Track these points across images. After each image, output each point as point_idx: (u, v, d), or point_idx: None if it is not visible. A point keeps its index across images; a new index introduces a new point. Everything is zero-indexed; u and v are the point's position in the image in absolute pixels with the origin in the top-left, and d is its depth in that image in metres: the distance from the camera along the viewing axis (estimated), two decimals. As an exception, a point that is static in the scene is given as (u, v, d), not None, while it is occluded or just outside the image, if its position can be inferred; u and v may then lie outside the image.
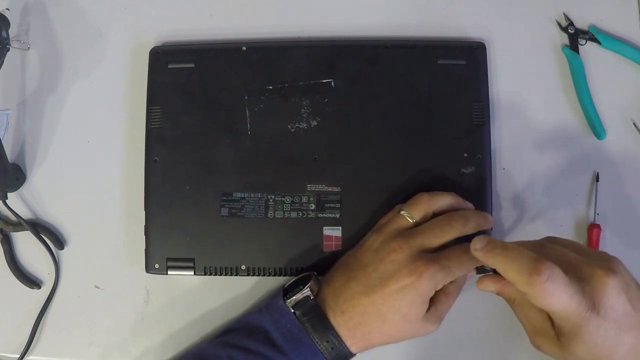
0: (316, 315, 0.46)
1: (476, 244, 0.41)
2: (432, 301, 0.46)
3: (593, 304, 0.38)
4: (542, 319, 0.42)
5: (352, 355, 0.47)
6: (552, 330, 0.41)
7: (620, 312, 0.38)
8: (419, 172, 0.52)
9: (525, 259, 0.38)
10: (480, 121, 0.53)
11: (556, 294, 0.37)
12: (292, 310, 0.47)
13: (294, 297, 0.47)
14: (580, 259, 0.40)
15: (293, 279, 0.50)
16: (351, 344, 0.46)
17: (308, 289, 0.47)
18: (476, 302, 0.53)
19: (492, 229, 0.51)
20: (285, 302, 0.47)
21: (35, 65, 0.58)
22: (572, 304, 0.37)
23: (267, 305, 0.48)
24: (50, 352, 0.55)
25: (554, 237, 0.45)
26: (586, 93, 0.54)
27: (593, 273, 0.39)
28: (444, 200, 0.49)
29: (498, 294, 0.45)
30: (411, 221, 0.48)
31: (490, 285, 0.44)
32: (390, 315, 0.45)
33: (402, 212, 0.48)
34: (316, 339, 0.46)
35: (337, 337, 0.45)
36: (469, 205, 0.50)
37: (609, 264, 0.40)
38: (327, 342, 0.45)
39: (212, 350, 0.48)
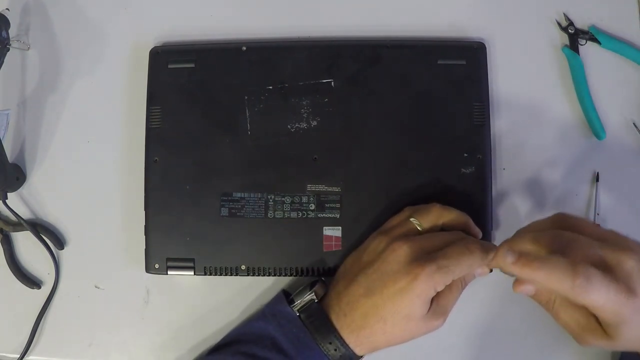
0: (319, 318, 0.46)
1: (507, 258, 0.40)
2: (435, 296, 0.46)
3: (628, 287, 0.39)
4: (585, 315, 0.43)
5: (359, 357, 0.47)
6: (598, 324, 0.42)
7: None
8: (419, 172, 0.52)
9: (562, 265, 0.39)
10: (480, 121, 0.53)
11: (595, 289, 0.38)
12: (298, 314, 0.47)
13: (299, 301, 0.47)
14: (602, 246, 0.41)
15: (294, 281, 0.50)
16: (355, 345, 0.46)
17: (313, 292, 0.47)
18: (481, 298, 0.53)
19: (492, 227, 0.52)
20: (290, 307, 0.47)
21: (35, 65, 0.58)
22: (610, 294, 0.39)
23: (272, 312, 0.48)
24: (50, 352, 0.55)
25: (563, 215, 0.45)
26: (586, 93, 0.54)
27: (619, 258, 0.40)
28: (454, 216, 0.48)
29: (534, 296, 0.44)
30: (419, 228, 0.47)
31: (528, 287, 0.43)
32: (390, 316, 0.45)
33: (411, 219, 0.48)
34: (320, 341, 0.46)
35: (341, 339, 0.45)
36: (477, 230, 0.49)
37: (627, 244, 0.41)
38: (330, 344, 0.46)
39: (222, 357, 0.49)
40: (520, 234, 0.44)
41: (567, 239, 0.42)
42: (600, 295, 0.39)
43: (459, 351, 0.53)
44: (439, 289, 0.44)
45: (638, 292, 0.39)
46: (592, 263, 0.40)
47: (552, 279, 0.39)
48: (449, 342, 0.53)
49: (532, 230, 0.44)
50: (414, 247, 0.45)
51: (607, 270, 0.40)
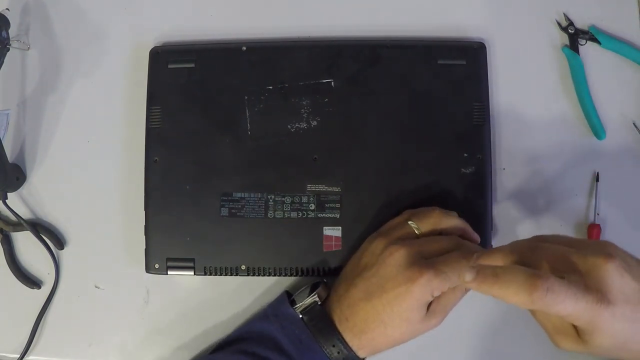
0: (322, 320, 0.46)
1: (466, 276, 0.39)
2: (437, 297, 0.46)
3: (600, 294, 0.37)
4: (561, 320, 0.41)
5: (361, 359, 0.47)
6: (573, 329, 0.40)
7: (629, 292, 0.37)
8: (419, 172, 0.52)
9: (519, 278, 0.37)
10: (480, 121, 0.53)
11: (560, 301, 0.36)
12: (300, 316, 0.47)
13: (301, 303, 0.47)
14: (574, 252, 0.39)
15: (294, 281, 0.50)
16: (358, 349, 0.46)
17: (316, 295, 0.47)
18: (482, 298, 0.53)
19: (491, 227, 0.52)
20: (293, 309, 0.47)
21: (35, 65, 0.58)
22: (579, 304, 0.36)
23: (275, 313, 0.48)
24: (50, 352, 0.55)
25: (541, 236, 0.43)
26: (586, 93, 0.54)
27: (590, 263, 0.38)
28: (453, 222, 0.48)
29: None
30: (417, 232, 0.47)
31: None
32: (390, 320, 0.45)
33: (409, 223, 0.48)
34: (322, 344, 0.46)
35: (343, 342, 0.46)
36: (475, 236, 0.49)
37: (603, 249, 0.39)
38: (334, 346, 0.46)
39: (223, 355, 0.49)
40: (497, 249, 0.42)
41: (539, 247, 0.41)
42: (566, 306, 0.36)
43: (461, 352, 0.53)
44: (436, 294, 0.44)
45: (613, 300, 0.36)
46: (560, 271, 0.37)
47: (509, 294, 0.37)
48: (450, 343, 0.53)
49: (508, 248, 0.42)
50: (411, 251, 0.45)
51: (580, 277, 0.37)
